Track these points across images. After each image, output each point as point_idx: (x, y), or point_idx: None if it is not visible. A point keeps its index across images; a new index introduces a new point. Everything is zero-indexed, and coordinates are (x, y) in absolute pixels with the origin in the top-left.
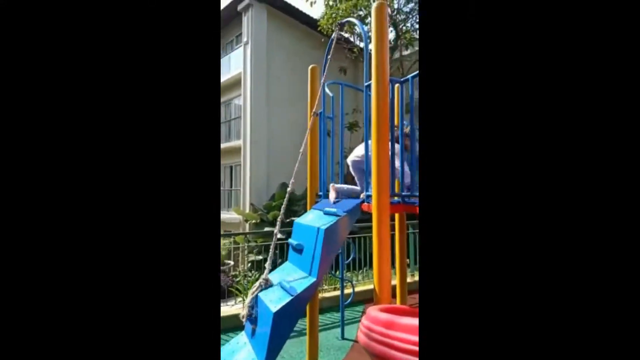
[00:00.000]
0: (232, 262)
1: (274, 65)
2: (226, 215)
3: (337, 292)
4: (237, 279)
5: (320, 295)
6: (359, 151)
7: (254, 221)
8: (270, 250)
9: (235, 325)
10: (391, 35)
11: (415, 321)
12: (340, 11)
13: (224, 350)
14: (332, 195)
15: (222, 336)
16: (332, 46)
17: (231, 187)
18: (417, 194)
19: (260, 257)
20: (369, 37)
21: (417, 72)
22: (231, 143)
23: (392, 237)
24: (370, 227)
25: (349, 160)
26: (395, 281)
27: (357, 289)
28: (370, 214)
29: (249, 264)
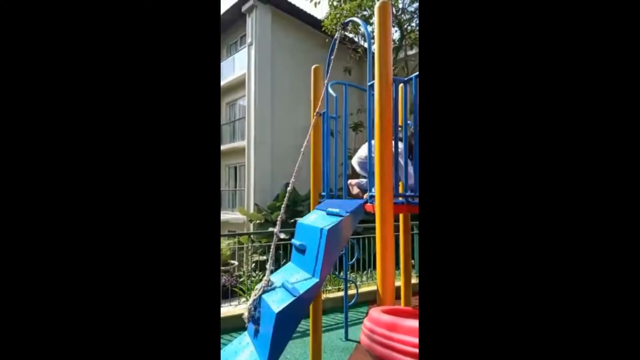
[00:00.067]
0: (236, 263)
1: (278, 66)
2: (230, 215)
3: (341, 293)
4: (241, 279)
5: (324, 296)
6: (363, 152)
7: (258, 221)
8: (271, 250)
9: (238, 325)
10: (396, 35)
11: (417, 323)
12: (345, 11)
13: (227, 350)
14: (355, 190)
15: (225, 336)
16: (336, 46)
17: (236, 187)
18: None
19: (265, 258)
20: (372, 37)
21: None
22: (235, 143)
23: (397, 238)
24: (375, 228)
25: (354, 161)
26: (400, 282)
27: (361, 290)
28: (375, 215)
29: (253, 264)
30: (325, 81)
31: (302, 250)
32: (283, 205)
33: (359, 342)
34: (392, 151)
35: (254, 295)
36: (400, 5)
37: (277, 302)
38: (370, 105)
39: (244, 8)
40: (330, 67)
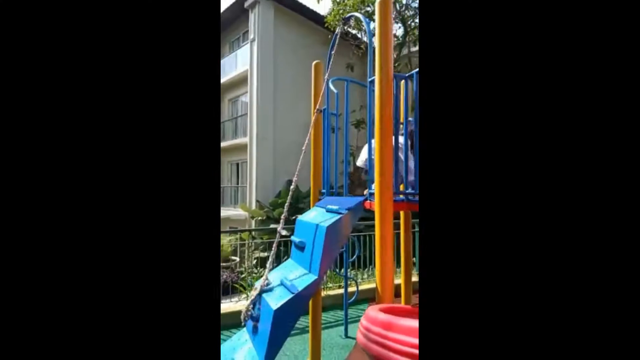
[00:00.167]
0: (237, 259)
1: (281, 62)
2: (232, 211)
3: (342, 290)
4: (243, 276)
5: (325, 293)
6: (365, 154)
7: (259, 218)
8: (273, 248)
9: (238, 321)
10: (399, 31)
11: (414, 323)
12: (348, 7)
13: (226, 346)
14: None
15: (225, 332)
16: (336, 41)
17: (238, 183)
18: None
19: (266, 254)
20: (374, 33)
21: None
22: (238, 140)
23: (398, 235)
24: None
25: (360, 163)
26: (400, 280)
27: (362, 287)
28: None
29: (255, 261)
30: (326, 77)
31: (301, 247)
32: (286, 204)
33: None
34: (392, 148)
35: (252, 295)
36: (404, 1)
37: (275, 299)
38: (371, 101)
39: (246, 4)
40: (330, 63)
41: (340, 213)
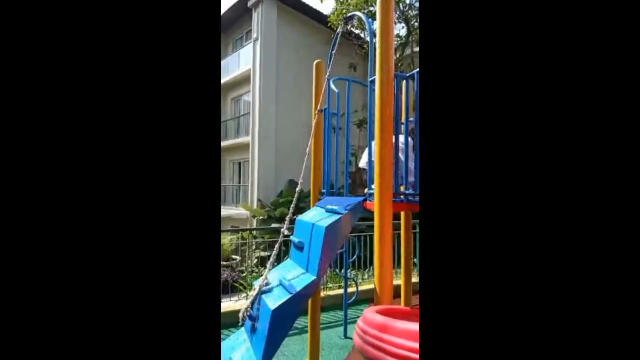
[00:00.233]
0: (238, 258)
1: (283, 61)
2: (234, 210)
3: (342, 290)
4: (244, 275)
5: (325, 293)
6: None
7: (261, 217)
8: (275, 248)
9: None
10: (403, 31)
11: (409, 325)
12: (351, 7)
13: (224, 345)
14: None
15: (224, 331)
16: (337, 41)
17: (239, 182)
18: None
19: (268, 253)
20: (375, 32)
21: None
22: (240, 139)
23: (398, 236)
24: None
25: (362, 164)
26: (400, 281)
27: (362, 288)
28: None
29: (256, 260)
30: (326, 76)
31: (300, 247)
32: (292, 205)
33: None
34: (392, 148)
35: (251, 294)
36: (408, 1)
37: (273, 299)
38: (372, 101)
39: (249, 3)
40: (331, 62)
41: (339, 213)
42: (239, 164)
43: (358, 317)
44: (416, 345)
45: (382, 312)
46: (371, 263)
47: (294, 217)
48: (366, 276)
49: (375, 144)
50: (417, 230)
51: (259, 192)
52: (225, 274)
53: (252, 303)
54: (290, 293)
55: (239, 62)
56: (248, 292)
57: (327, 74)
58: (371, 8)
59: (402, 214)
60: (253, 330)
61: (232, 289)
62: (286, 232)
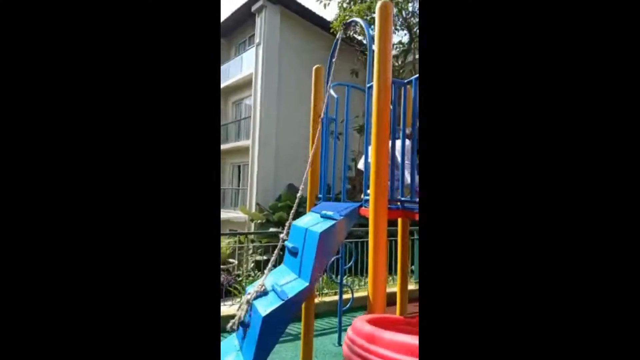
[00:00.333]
0: (235, 262)
1: (286, 66)
2: (233, 214)
3: (337, 297)
4: (240, 279)
5: (320, 299)
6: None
7: (259, 221)
8: (274, 254)
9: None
10: (405, 38)
11: (397, 336)
12: (354, 13)
13: None
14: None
15: None
16: (337, 48)
17: (239, 186)
18: (417, 199)
19: (265, 258)
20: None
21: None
22: (240, 142)
23: (395, 243)
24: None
25: (361, 165)
26: (396, 288)
27: (358, 295)
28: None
29: (252, 264)
30: (326, 82)
31: (294, 252)
32: (292, 211)
33: None
34: (388, 154)
35: (246, 302)
36: (410, 9)
37: (265, 305)
38: (369, 106)
39: (253, 8)
40: (330, 69)
41: (334, 219)
42: (239, 167)
43: None
44: (401, 357)
45: (373, 322)
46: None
47: (288, 222)
48: (363, 283)
49: (371, 149)
50: (415, 237)
51: (257, 196)
52: (221, 278)
53: (244, 312)
54: (282, 300)
55: (242, 66)
56: (242, 297)
57: (330, 80)
58: (374, 15)
59: (399, 221)
60: (244, 336)
61: (227, 294)
62: (285, 238)
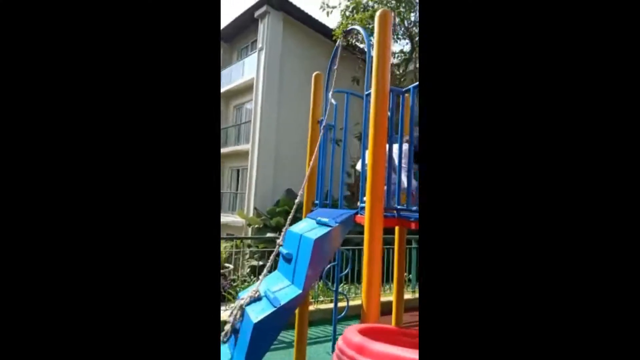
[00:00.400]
0: (231, 266)
1: (287, 72)
2: (230, 218)
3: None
4: (235, 284)
5: (315, 306)
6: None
7: (256, 226)
8: (270, 259)
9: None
10: (407, 47)
11: (387, 348)
12: (356, 22)
13: None
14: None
15: None
16: (337, 55)
17: (237, 190)
18: (414, 207)
19: (261, 263)
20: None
21: (416, 83)
22: (240, 146)
23: (392, 251)
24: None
25: (359, 167)
26: (392, 297)
27: (354, 303)
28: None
29: (249, 269)
30: (325, 89)
31: (288, 259)
32: (289, 217)
33: None
34: (385, 163)
35: (239, 307)
36: (412, 19)
37: (257, 311)
38: (367, 114)
39: (256, 14)
40: (330, 76)
41: (329, 226)
42: (238, 171)
43: None
44: None
45: (365, 331)
46: None
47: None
48: (359, 291)
49: (368, 154)
50: (412, 245)
51: (256, 201)
52: None
53: (235, 318)
54: (275, 306)
55: (243, 70)
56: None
57: (331, 88)
58: None
59: (397, 228)
60: (235, 342)
61: (222, 299)
62: (281, 243)
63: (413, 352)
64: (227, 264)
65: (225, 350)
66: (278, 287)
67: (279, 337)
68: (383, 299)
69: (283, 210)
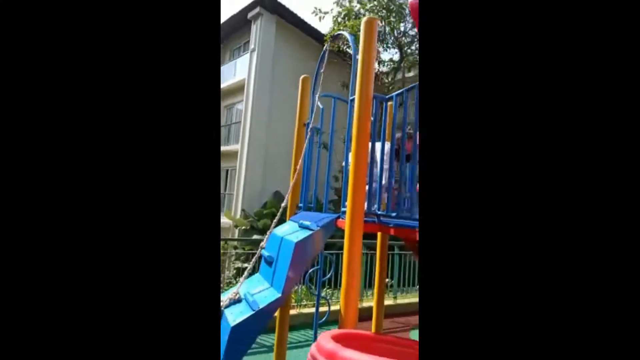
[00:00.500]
0: None
1: (278, 73)
2: None
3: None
4: (220, 286)
5: (297, 310)
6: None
7: (243, 227)
8: (252, 261)
9: None
10: (396, 56)
11: (358, 356)
12: (347, 28)
13: None
14: None
15: None
16: (325, 59)
17: (225, 190)
18: (394, 213)
19: (246, 265)
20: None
21: (400, 90)
22: (230, 147)
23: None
24: (363, 245)
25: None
26: (373, 303)
27: (335, 308)
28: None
29: (234, 271)
30: (313, 93)
31: (269, 261)
32: (275, 220)
33: None
34: (367, 168)
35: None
36: (402, 29)
37: (235, 314)
38: (351, 119)
39: (249, 15)
40: (317, 79)
41: (311, 229)
42: (227, 171)
43: None
44: None
45: (340, 337)
46: None
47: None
48: None
49: (351, 156)
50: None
51: (243, 202)
52: None
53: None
54: (253, 310)
55: (235, 71)
56: None
57: (318, 92)
58: None
59: (379, 234)
60: None
61: None
62: (264, 246)
63: None
64: None
65: None
66: (257, 290)
67: (259, 341)
68: (365, 304)
69: (270, 213)
